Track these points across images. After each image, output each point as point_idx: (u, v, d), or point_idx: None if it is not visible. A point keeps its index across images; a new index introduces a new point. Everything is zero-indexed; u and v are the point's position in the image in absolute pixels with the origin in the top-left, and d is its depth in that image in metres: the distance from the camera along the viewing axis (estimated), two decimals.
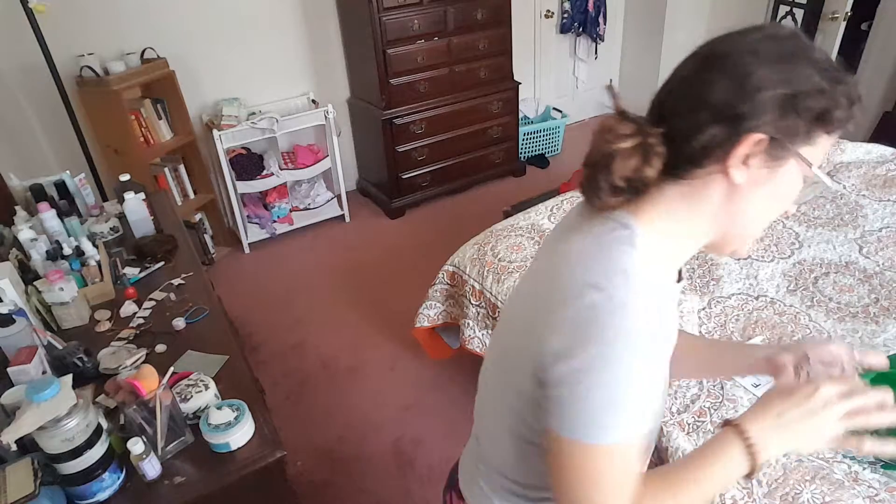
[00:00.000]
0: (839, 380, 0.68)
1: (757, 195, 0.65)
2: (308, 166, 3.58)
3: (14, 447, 1.05)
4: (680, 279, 0.76)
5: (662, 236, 0.68)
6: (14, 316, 1.35)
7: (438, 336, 2.38)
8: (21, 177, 2.19)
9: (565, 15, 4.38)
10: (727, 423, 0.69)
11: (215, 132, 3.13)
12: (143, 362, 1.41)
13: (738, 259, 1.95)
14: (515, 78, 3.86)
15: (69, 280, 1.58)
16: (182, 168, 3.26)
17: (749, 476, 0.67)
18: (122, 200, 2.06)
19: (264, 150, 3.53)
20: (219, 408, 1.21)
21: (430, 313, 2.25)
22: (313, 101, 3.60)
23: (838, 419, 0.66)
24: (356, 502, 2.00)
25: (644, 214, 0.68)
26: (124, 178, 2.14)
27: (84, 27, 2.84)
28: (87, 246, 1.82)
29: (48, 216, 1.87)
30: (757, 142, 0.61)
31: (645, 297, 0.61)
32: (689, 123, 0.63)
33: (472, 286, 2.07)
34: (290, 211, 3.75)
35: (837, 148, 2.60)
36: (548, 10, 4.32)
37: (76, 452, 1.04)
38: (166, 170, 3.15)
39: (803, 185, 0.65)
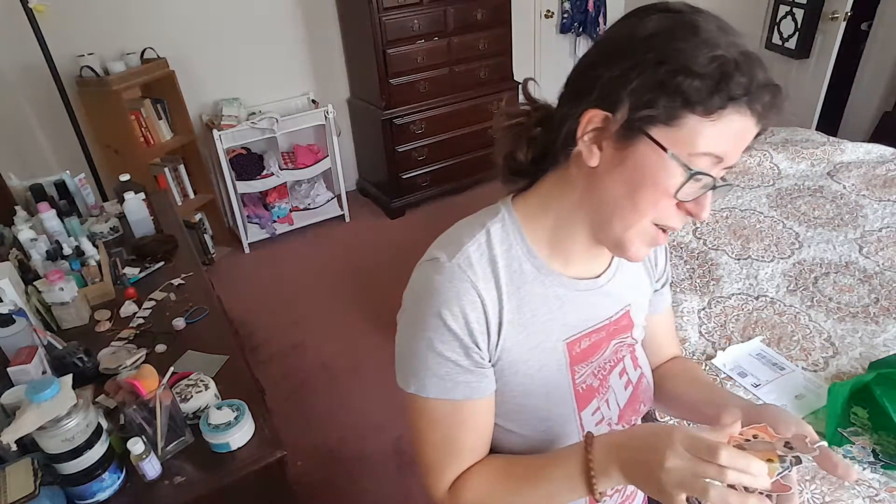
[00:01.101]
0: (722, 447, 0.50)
1: (612, 179, 0.60)
2: (308, 166, 3.58)
3: (14, 447, 1.04)
4: (602, 274, 0.73)
5: (538, 223, 0.68)
6: (14, 316, 1.35)
7: None
8: (21, 177, 2.19)
9: (565, 15, 4.37)
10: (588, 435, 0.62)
11: (215, 132, 3.13)
12: (143, 362, 1.41)
13: (739, 260, 1.95)
14: (515, 78, 3.86)
15: (69, 280, 1.58)
16: (182, 168, 3.26)
17: (593, 495, 0.59)
18: (122, 200, 2.06)
19: (264, 150, 3.53)
20: (219, 408, 1.21)
21: None
22: (313, 101, 3.60)
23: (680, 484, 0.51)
24: (356, 502, 2.00)
25: (524, 202, 0.70)
26: (124, 178, 2.14)
27: (84, 27, 2.84)
28: (87, 246, 1.82)
29: (48, 216, 1.87)
30: (601, 119, 0.58)
31: (462, 273, 0.64)
32: (556, 105, 0.65)
33: None
34: (290, 211, 3.75)
35: (837, 148, 2.60)
36: (548, 10, 4.31)
37: (76, 452, 1.04)
38: (166, 170, 3.15)
39: (685, 173, 0.56)
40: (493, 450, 0.73)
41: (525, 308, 0.67)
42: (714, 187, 0.58)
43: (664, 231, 0.62)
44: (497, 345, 0.66)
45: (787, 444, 0.55)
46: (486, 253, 0.66)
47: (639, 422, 0.83)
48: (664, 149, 0.56)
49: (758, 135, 0.59)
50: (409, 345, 0.66)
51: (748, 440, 0.56)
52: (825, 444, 0.55)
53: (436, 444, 0.69)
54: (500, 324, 0.66)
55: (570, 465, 0.61)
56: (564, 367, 0.72)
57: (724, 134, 0.55)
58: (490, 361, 0.67)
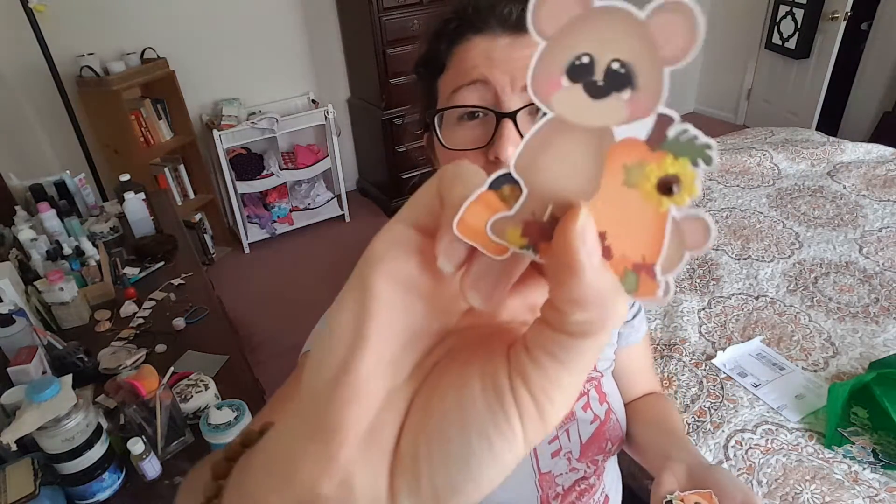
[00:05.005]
0: None
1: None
2: (308, 166, 3.58)
3: (14, 447, 1.04)
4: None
5: None
6: (14, 316, 1.35)
7: None
8: (21, 177, 2.19)
9: None
10: None
11: (215, 132, 3.13)
12: (143, 362, 1.41)
13: (739, 260, 1.95)
14: None
15: (69, 280, 1.58)
16: (182, 168, 3.26)
17: None
18: (122, 200, 2.06)
19: (264, 150, 3.53)
20: (219, 408, 1.21)
21: None
22: (313, 101, 3.60)
23: None
24: None
25: None
26: (124, 178, 2.14)
27: (84, 27, 2.84)
28: (87, 246, 1.82)
29: (48, 216, 1.87)
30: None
31: None
32: None
33: None
34: (290, 211, 3.75)
35: (837, 148, 2.60)
36: None
37: (76, 452, 1.04)
38: (166, 170, 3.15)
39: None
40: None
41: None
42: (504, 115, 0.50)
43: None
44: None
45: None
46: None
47: (607, 462, 0.76)
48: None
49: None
50: None
51: None
52: None
53: None
54: None
55: None
56: None
57: (459, 69, 0.54)
58: None
